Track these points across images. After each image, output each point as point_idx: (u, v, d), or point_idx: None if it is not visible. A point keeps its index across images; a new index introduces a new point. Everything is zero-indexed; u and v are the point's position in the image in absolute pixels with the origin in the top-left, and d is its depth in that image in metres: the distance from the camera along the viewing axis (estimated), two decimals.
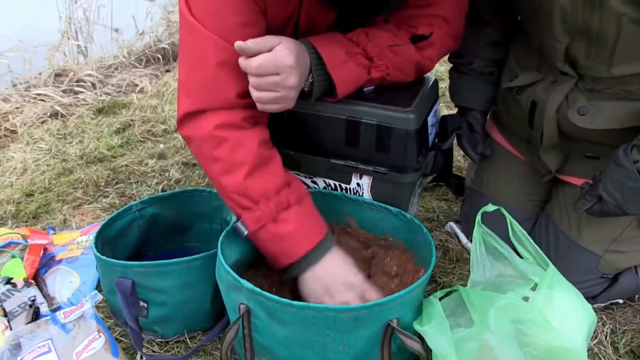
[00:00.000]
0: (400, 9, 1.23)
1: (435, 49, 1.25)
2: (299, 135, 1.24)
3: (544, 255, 1.08)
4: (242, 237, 1.11)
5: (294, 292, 1.17)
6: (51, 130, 2.38)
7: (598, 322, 1.28)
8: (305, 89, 1.12)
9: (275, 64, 1.00)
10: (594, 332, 1.25)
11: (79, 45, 3.34)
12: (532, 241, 1.10)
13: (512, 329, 0.96)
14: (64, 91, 2.80)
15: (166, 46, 3.35)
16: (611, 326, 1.28)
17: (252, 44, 1.00)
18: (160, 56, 3.32)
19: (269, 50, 1.01)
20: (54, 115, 2.55)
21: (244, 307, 0.98)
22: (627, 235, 1.27)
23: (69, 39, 3.32)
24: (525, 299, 1.00)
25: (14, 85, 3.07)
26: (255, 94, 1.03)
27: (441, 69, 2.86)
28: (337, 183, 1.30)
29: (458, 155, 1.94)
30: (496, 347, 0.98)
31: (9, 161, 2.13)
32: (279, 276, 1.22)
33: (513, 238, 1.11)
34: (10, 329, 1.20)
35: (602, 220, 1.26)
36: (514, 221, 1.10)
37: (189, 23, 1.04)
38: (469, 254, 1.47)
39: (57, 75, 2.94)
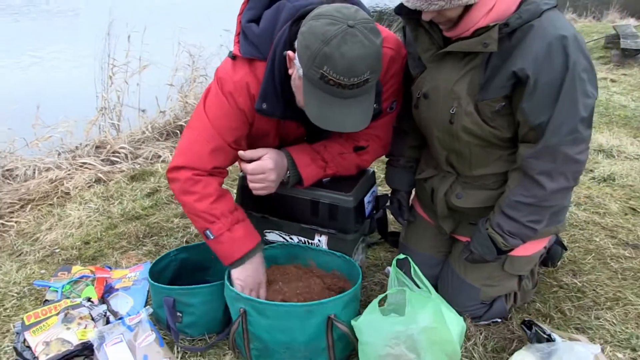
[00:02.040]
0: None
1: (370, 156, 1.95)
2: (281, 209, 1.92)
3: (431, 287, 1.72)
4: None
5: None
6: (97, 193, 3.08)
7: (477, 333, 1.91)
8: (285, 181, 1.82)
9: (261, 168, 1.71)
10: (472, 338, 1.88)
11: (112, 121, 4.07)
12: (424, 278, 1.74)
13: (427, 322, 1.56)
14: (102, 160, 3.52)
15: (183, 123, 4.06)
16: (485, 334, 1.91)
17: (249, 153, 1.71)
18: (178, 131, 4.04)
19: (260, 157, 1.71)
20: (98, 181, 3.26)
21: (242, 309, 1.64)
22: (495, 275, 1.91)
23: (103, 115, 4.06)
24: None
25: (58, 154, 3.79)
26: (250, 185, 1.73)
27: None
28: (305, 239, 1.99)
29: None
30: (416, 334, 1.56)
31: (68, 217, 2.82)
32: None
33: (414, 276, 1.76)
34: (96, 328, 1.86)
35: (479, 264, 1.90)
36: (415, 266, 1.75)
37: (202, 114, 1.68)
38: None
39: (97, 147, 3.66)
